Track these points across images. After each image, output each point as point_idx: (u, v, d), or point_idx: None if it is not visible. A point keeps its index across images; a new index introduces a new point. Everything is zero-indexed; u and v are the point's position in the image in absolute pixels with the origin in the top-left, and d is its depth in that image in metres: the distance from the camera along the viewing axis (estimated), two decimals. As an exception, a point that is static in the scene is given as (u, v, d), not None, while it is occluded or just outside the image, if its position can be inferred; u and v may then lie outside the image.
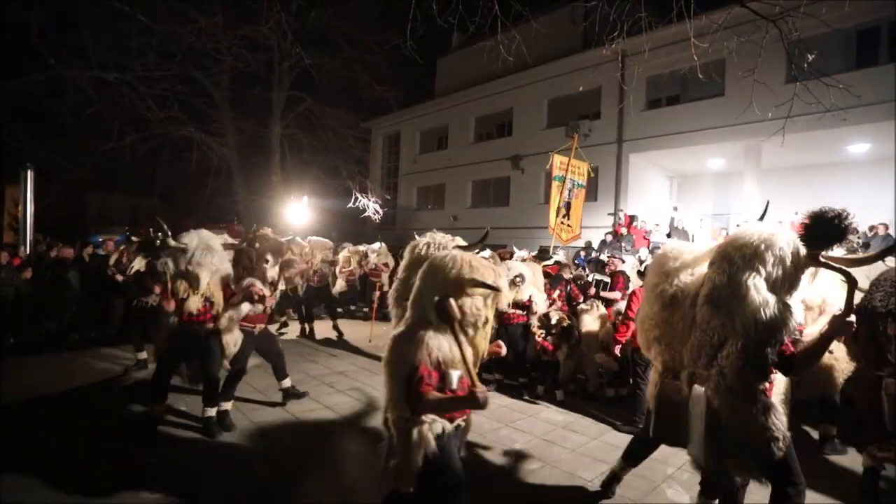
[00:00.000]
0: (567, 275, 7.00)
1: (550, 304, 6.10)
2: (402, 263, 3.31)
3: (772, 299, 2.31)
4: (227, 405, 4.44)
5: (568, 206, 12.02)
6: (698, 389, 2.48)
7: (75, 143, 16.81)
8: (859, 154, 12.68)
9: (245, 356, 4.61)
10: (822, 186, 13.36)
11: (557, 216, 11.59)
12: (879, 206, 12.35)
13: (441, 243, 3.16)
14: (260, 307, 4.52)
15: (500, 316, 5.62)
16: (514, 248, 7.36)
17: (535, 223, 16.66)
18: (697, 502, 2.97)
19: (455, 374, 2.17)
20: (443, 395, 2.14)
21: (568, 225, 11.55)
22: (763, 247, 2.36)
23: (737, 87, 8.28)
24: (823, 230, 2.28)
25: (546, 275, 6.73)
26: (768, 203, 3.12)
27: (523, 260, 6.58)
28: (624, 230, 13.05)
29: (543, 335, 5.74)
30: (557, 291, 6.51)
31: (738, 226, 6.45)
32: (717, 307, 2.40)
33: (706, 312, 2.45)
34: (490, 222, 18.87)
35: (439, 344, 2.15)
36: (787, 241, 2.40)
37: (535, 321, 5.70)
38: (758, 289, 2.31)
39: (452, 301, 2.10)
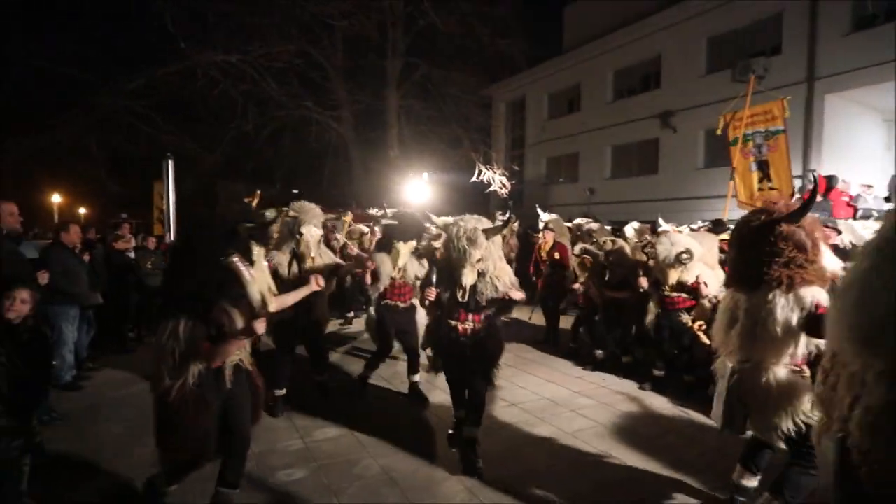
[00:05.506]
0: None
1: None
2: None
3: None
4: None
5: (764, 164, 9.28)
6: None
7: (204, 128, 17.42)
8: None
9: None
10: None
11: (754, 184, 9.10)
12: None
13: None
14: None
15: (661, 300, 4.84)
16: (661, 221, 5.68)
17: (693, 192, 14.06)
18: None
19: None
20: None
21: (772, 188, 8.84)
22: None
23: None
24: None
25: (721, 251, 5.34)
26: None
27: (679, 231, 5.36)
28: (819, 197, 9.85)
29: (701, 326, 4.51)
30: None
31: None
32: None
33: None
34: (635, 194, 16.54)
35: None
36: None
37: (685, 316, 4.73)
38: None
39: None
